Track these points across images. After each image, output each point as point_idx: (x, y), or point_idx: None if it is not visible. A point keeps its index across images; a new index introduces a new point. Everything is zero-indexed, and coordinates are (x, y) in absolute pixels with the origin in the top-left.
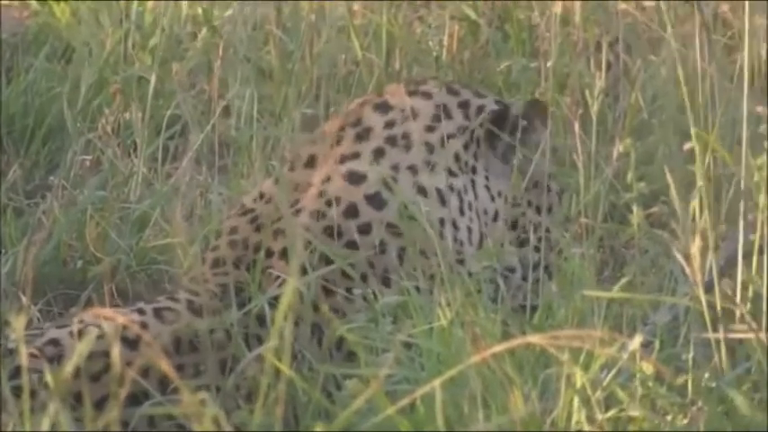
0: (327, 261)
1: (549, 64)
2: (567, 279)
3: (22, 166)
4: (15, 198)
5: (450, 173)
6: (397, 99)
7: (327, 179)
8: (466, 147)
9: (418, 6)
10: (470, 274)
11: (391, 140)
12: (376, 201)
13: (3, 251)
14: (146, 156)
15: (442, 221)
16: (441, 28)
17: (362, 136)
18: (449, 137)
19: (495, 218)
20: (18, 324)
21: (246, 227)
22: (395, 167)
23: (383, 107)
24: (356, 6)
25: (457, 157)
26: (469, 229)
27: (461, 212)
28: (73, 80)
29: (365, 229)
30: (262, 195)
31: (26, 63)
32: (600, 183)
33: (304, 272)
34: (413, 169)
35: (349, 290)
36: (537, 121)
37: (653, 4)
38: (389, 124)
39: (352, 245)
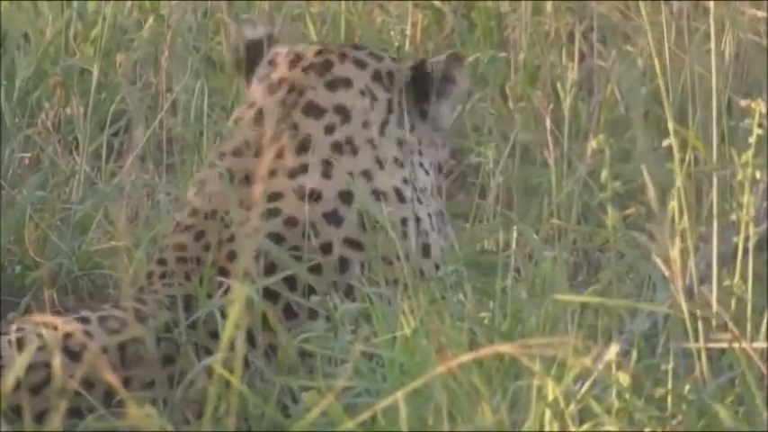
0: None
1: (519, 55)
2: (538, 284)
3: None
4: None
5: (398, 162)
6: (327, 100)
7: (279, 196)
8: (399, 124)
9: None
10: (437, 267)
11: (337, 148)
12: (334, 218)
13: None
14: (88, 153)
15: (404, 221)
16: (403, 16)
17: (305, 146)
18: (384, 123)
19: (439, 192)
20: None
21: (194, 245)
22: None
23: (315, 109)
24: None
25: (399, 143)
26: (429, 215)
27: (419, 201)
28: (9, 72)
29: (326, 249)
30: (195, 211)
31: None
32: (573, 182)
33: (266, 295)
34: (367, 175)
35: (313, 312)
36: (456, 73)
37: None
38: (329, 129)
39: (316, 266)
